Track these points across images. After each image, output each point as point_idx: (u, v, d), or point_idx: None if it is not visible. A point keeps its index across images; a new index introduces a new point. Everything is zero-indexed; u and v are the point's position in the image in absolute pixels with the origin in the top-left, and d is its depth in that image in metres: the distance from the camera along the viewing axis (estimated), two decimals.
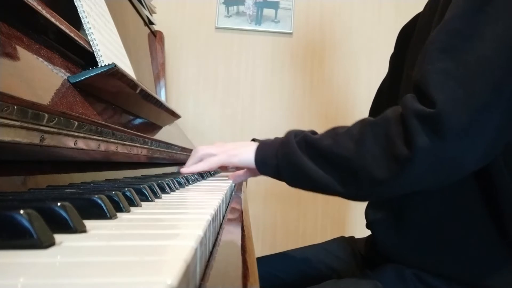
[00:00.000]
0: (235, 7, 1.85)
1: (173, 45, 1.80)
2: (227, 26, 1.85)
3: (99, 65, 0.64)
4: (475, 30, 0.48)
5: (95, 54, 0.66)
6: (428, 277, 0.58)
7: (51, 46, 0.56)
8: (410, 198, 0.59)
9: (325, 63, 1.89)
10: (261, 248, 1.79)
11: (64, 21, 0.59)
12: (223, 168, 0.96)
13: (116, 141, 0.59)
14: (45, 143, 0.40)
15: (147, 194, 0.43)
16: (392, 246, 0.63)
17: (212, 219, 0.34)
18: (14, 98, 0.35)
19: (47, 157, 0.43)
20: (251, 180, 1.07)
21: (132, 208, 0.36)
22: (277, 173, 0.61)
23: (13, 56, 0.43)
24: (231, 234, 0.36)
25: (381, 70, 1.95)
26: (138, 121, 0.85)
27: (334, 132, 0.57)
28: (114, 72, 0.61)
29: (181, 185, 0.63)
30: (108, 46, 0.73)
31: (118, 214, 0.33)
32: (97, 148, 0.53)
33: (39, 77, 0.47)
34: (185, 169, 0.75)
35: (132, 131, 0.67)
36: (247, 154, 0.65)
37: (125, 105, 0.77)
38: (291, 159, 0.58)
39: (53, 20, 0.55)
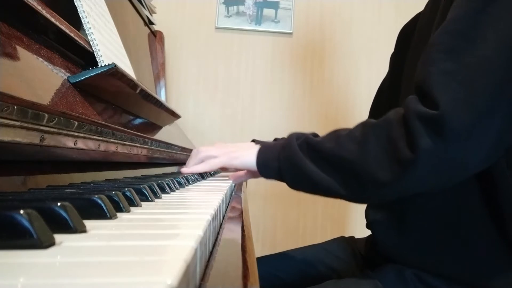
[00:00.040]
0: (235, 7, 1.85)
1: (173, 45, 1.80)
2: (227, 26, 1.85)
3: (99, 65, 0.64)
4: (478, 31, 0.48)
5: (95, 54, 0.66)
6: (428, 277, 0.58)
7: (51, 46, 0.56)
8: (410, 198, 0.59)
9: (325, 63, 1.89)
10: (261, 248, 1.79)
11: (64, 21, 0.59)
12: (224, 169, 0.96)
13: (116, 141, 0.59)
14: (45, 143, 0.40)
15: (147, 194, 0.43)
16: (393, 246, 0.63)
17: (212, 219, 0.34)
18: (14, 98, 0.35)
19: (47, 157, 0.43)
20: (251, 180, 1.06)
21: (132, 208, 0.36)
22: (279, 176, 0.61)
23: (13, 56, 0.43)
24: (231, 234, 0.36)
25: (381, 70, 1.95)
26: (138, 121, 0.85)
27: (336, 135, 0.57)
28: (114, 72, 0.61)
29: (181, 185, 0.63)
30: (108, 46, 0.73)
31: (118, 214, 0.33)
32: (97, 148, 0.53)
33: (39, 77, 0.47)
34: (185, 169, 0.75)
35: (132, 131, 0.67)
36: (248, 156, 0.65)
37: (125, 105, 0.77)
38: (293, 162, 0.57)
39: (53, 20, 0.55)
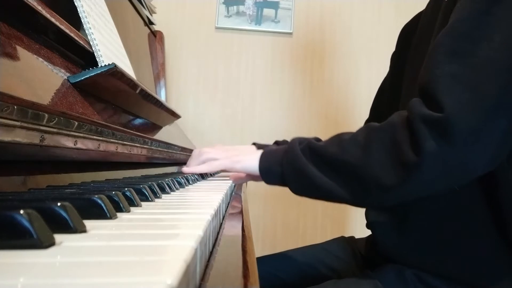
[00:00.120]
0: (235, 7, 1.85)
1: (173, 45, 1.80)
2: (227, 26, 1.85)
3: (99, 65, 0.64)
4: (482, 32, 0.47)
5: (95, 54, 0.66)
6: (428, 277, 0.58)
7: (51, 46, 0.56)
8: None
9: (325, 63, 1.89)
10: (261, 248, 1.79)
11: (64, 21, 0.59)
12: (223, 170, 0.96)
13: (116, 141, 0.59)
14: (45, 143, 0.40)
15: (147, 194, 0.43)
16: (393, 246, 0.63)
17: (212, 219, 0.34)
18: (14, 98, 0.35)
19: (47, 157, 0.43)
20: (251, 181, 1.06)
21: (132, 208, 0.36)
22: (282, 181, 0.60)
23: (13, 56, 0.43)
24: (231, 234, 0.36)
25: (381, 70, 1.95)
26: (138, 121, 0.85)
27: (339, 139, 0.56)
28: (114, 72, 0.61)
29: (181, 185, 0.63)
30: (108, 46, 0.73)
31: (118, 214, 0.33)
32: (97, 148, 0.53)
33: (39, 77, 0.47)
34: (186, 169, 0.76)
35: (132, 131, 0.67)
36: (250, 161, 0.65)
37: (125, 105, 0.77)
38: (296, 167, 0.57)
39: (53, 20, 0.55)
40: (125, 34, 1.02)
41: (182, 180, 0.66)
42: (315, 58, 1.89)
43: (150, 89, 0.84)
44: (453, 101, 0.45)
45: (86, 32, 0.66)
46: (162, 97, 1.48)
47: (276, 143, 0.84)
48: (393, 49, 0.85)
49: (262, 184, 0.66)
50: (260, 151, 0.65)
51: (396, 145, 0.49)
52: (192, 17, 1.84)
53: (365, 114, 0.92)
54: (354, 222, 1.85)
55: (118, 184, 0.52)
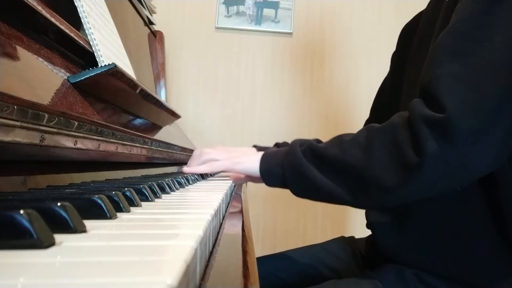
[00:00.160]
0: (235, 7, 1.85)
1: (173, 45, 1.80)
2: (227, 26, 1.85)
3: (99, 65, 0.64)
4: (484, 32, 0.47)
5: (95, 54, 0.66)
6: (428, 277, 0.58)
7: (51, 46, 0.56)
8: None
9: (325, 63, 1.89)
10: (261, 248, 1.79)
11: (64, 21, 0.59)
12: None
13: (116, 141, 0.59)
14: (45, 143, 0.40)
15: (147, 194, 0.43)
16: (393, 246, 0.63)
17: (212, 219, 0.34)
18: (14, 98, 0.35)
19: (47, 157, 0.43)
20: None
21: (132, 208, 0.36)
22: (282, 183, 0.60)
23: (13, 56, 0.43)
24: (231, 234, 0.36)
25: (381, 70, 1.94)
26: (138, 121, 0.85)
27: (340, 140, 0.56)
28: (114, 72, 0.61)
29: (181, 185, 0.63)
30: (108, 46, 0.73)
31: (118, 214, 0.33)
32: (97, 148, 0.53)
33: (39, 77, 0.47)
34: (187, 169, 0.76)
35: (132, 131, 0.67)
36: (251, 163, 0.65)
37: (125, 105, 0.77)
38: (297, 169, 0.57)
39: (53, 20, 0.55)
40: (125, 34, 1.02)
41: (182, 180, 0.66)
42: (315, 58, 1.89)
43: (150, 89, 0.84)
44: (455, 101, 0.45)
45: (86, 32, 0.66)
46: (162, 97, 1.48)
47: (277, 145, 0.84)
48: (393, 49, 0.85)
49: (262, 184, 0.66)
50: (261, 153, 0.65)
51: (397, 146, 0.49)
52: (192, 17, 1.84)
53: (365, 114, 0.92)
54: (354, 222, 1.85)
55: (118, 184, 0.52)
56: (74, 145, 0.46)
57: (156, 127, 1.00)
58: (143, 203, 0.40)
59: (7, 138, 0.34)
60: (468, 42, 0.48)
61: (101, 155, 0.55)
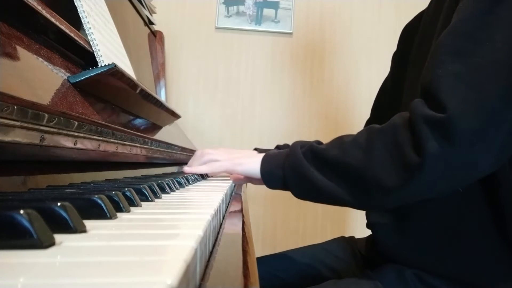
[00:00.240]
0: (235, 7, 1.85)
1: (173, 45, 1.80)
2: (227, 26, 1.85)
3: (99, 65, 0.64)
4: (485, 32, 0.47)
5: (95, 54, 0.66)
6: (428, 277, 0.58)
7: (51, 46, 0.56)
8: None
9: (325, 63, 1.89)
10: (261, 248, 1.79)
11: (64, 21, 0.59)
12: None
13: (116, 141, 0.59)
14: (45, 143, 0.40)
15: (147, 194, 0.43)
16: (393, 246, 0.63)
17: (212, 219, 0.34)
18: (14, 98, 0.35)
19: (47, 157, 0.43)
20: None
21: (132, 208, 0.36)
22: (283, 185, 0.60)
23: (13, 56, 0.43)
24: (231, 234, 0.36)
25: (381, 70, 1.94)
26: (138, 121, 0.85)
27: (341, 141, 0.56)
28: (114, 72, 0.61)
29: (181, 185, 0.63)
30: (108, 46, 0.73)
31: (118, 214, 0.33)
32: (97, 148, 0.53)
33: (39, 77, 0.47)
34: (188, 169, 0.77)
35: (132, 131, 0.67)
36: (252, 164, 0.64)
37: (125, 105, 0.77)
38: (298, 170, 0.57)
39: (53, 20, 0.55)
40: (125, 34, 1.02)
41: (182, 180, 0.66)
42: (315, 58, 1.89)
43: (150, 89, 0.84)
44: (456, 101, 0.45)
45: (86, 32, 0.66)
46: (162, 97, 1.48)
47: (278, 147, 0.84)
48: (393, 49, 0.85)
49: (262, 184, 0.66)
50: (262, 155, 0.64)
51: (397, 147, 0.49)
52: (192, 17, 1.84)
53: (365, 114, 0.92)
54: (354, 222, 1.85)
55: (118, 184, 0.52)
56: (74, 145, 0.46)
57: (156, 127, 1.00)
58: (143, 203, 0.40)
59: (7, 138, 0.34)
60: (469, 42, 0.47)
61: (101, 155, 0.55)
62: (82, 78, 0.56)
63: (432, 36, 0.61)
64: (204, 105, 1.84)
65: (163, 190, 0.51)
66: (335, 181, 0.54)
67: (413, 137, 0.47)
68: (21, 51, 0.46)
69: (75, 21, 0.65)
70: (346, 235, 0.89)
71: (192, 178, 0.75)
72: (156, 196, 0.47)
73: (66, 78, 0.55)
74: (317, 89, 1.89)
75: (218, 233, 0.37)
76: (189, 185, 0.69)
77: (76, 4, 0.66)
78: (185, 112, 1.77)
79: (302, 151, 0.58)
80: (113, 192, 0.35)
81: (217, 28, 1.85)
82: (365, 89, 1.87)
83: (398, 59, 0.82)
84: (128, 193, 0.38)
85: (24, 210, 0.21)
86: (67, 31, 0.59)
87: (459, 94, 0.45)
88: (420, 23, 0.73)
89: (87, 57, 0.66)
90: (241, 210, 0.50)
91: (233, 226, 0.40)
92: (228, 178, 0.85)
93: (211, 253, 0.30)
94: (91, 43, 0.66)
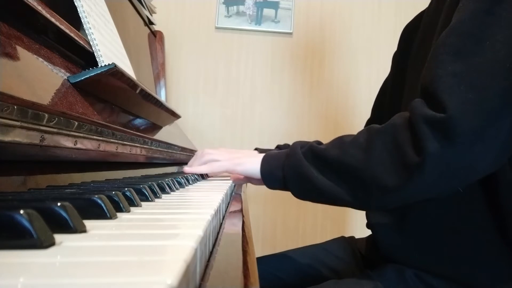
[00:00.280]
0: (235, 7, 1.85)
1: (173, 45, 1.80)
2: (227, 26, 1.85)
3: (99, 65, 0.64)
4: (486, 32, 0.47)
5: (95, 54, 0.66)
6: (428, 277, 0.58)
7: (51, 46, 0.56)
8: None
9: (325, 63, 1.89)
10: (261, 248, 1.79)
11: (64, 21, 0.59)
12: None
13: (116, 141, 0.59)
14: (45, 143, 0.40)
15: (147, 194, 0.43)
16: (393, 246, 0.63)
17: (212, 219, 0.34)
18: (14, 98, 0.35)
19: (47, 157, 0.43)
20: None
21: (132, 208, 0.36)
22: (283, 185, 0.60)
23: (13, 56, 0.43)
24: (231, 234, 0.36)
25: (381, 70, 1.94)
26: (138, 121, 0.85)
27: (341, 141, 0.56)
28: (114, 72, 0.61)
29: (181, 185, 0.63)
30: (108, 46, 0.73)
31: (118, 214, 0.33)
32: (97, 148, 0.53)
33: (39, 77, 0.47)
34: (188, 169, 0.77)
35: (132, 131, 0.67)
36: (252, 164, 0.64)
37: (125, 105, 0.77)
38: (298, 170, 0.57)
39: (53, 20, 0.55)
40: (125, 34, 1.02)
41: (182, 180, 0.66)
42: (315, 58, 1.89)
43: (150, 89, 0.84)
44: (456, 101, 0.45)
45: (86, 32, 0.66)
46: (162, 97, 1.48)
47: (278, 147, 0.84)
48: (393, 49, 0.85)
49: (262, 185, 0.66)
50: (262, 155, 0.64)
51: (398, 147, 0.49)
52: (192, 17, 1.84)
53: (365, 114, 0.92)
54: (354, 222, 1.85)
55: (118, 184, 0.52)
56: (74, 145, 0.46)
57: (156, 127, 1.00)
58: (143, 203, 0.40)
59: (7, 138, 0.34)
60: (469, 42, 0.47)
61: (101, 155, 0.55)
62: (82, 78, 0.56)
63: (432, 36, 0.61)
64: (204, 105, 1.84)
65: (163, 190, 0.51)
66: (335, 181, 0.54)
67: (413, 137, 0.47)
68: (21, 51, 0.46)
69: (75, 21, 0.65)
70: (346, 235, 0.89)
71: (192, 178, 0.75)
72: (156, 196, 0.47)
73: (66, 78, 0.55)
74: (317, 89, 1.89)
75: (218, 233, 0.37)
76: (189, 185, 0.69)
77: (76, 4, 0.66)
78: (185, 112, 1.77)
79: (302, 151, 0.58)
80: (113, 192, 0.35)
81: (217, 28, 1.85)
82: (365, 89, 1.87)
83: (398, 59, 0.82)
84: (128, 193, 0.38)
85: (24, 210, 0.21)
86: (67, 31, 0.59)
87: (459, 94, 0.45)
88: (421, 23, 0.73)
89: (87, 57, 0.66)
90: (241, 210, 0.50)
91: (233, 226, 0.40)
92: (228, 178, 0.85)
93: (211, 253, 0.30)
94: (91, 43, 0.66)
